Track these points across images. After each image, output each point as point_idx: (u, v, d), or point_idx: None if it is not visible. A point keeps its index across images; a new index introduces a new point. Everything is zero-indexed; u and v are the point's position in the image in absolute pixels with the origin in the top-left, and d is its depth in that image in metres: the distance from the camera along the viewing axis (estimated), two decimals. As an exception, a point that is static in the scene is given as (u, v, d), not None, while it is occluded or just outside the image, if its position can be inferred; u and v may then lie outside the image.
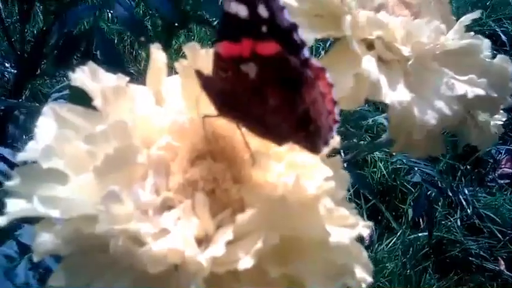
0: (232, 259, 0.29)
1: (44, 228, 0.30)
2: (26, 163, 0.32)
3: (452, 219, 1.84)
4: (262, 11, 0.31)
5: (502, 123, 0.62)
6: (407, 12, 0.46)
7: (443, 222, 1.82)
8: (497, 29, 2.18)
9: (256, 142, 0.33)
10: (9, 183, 0.31)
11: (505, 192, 1.97)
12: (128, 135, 0.31)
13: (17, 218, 0.30)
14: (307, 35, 0.38)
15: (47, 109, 0.33)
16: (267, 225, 0.30)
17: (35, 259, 0.29)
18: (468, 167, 1.98)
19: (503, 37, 2.17)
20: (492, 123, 0.59)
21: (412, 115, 0.41)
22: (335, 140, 0.35)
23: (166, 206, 0.31)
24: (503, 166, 2.08)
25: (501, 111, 0.62)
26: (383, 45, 0.42)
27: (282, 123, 0.31)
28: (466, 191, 1.90)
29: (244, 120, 0.33)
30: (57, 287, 0.29)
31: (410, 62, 0.41)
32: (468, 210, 1.87)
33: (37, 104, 1.09)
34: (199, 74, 0.32)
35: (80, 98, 0.34)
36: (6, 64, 1.64)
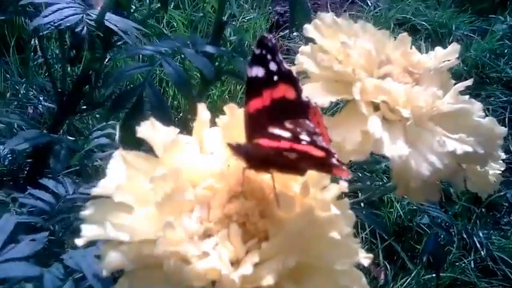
0: (258, 278, 0.38)
1: (111, 249, 0.39)
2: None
3: (466, 260, 1.87)
4: (273, 66, 0.45)
5: (500, 172, 0.70)
6: (409, 79, 0.55)
7: (457, 263, 1.86)
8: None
9: (279, 183, 0.43)
10: (84, 213, 0.41)
11: (519, 236, 2.01)
12: (181, 178, 0.40)
13: (90, 240, 0.40)
14: (325, 98, 0.48)
15: (116, 154, 0.43)
16: (285, 252, 0.39)
17: (105, 273, 0.38)
18: (483, 210, 2.02)
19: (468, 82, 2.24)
20: (491, 172, 0.67)
21: (410, 167, 0.50)
22: (343, 185, 0.44)
23: (207, 234, 0.40)
24: (517, 210, 2.12)
25: (500, 161, 0.70)
26: (386, 107, 0.51)
27: (303, 166, 0.41)
28: (481, 234, 1.93)
29: (271, 169, 0.42)
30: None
31: (408, 123, 0.50)
32: (482, 252, 1.90)
33: (75, 139, 1.19)
34: (229, 144, 0.42)
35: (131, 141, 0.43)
36: (40, 97, 1.74)
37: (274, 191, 0.42)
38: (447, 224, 1.85)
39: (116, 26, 0.91)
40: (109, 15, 0.92)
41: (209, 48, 0.65)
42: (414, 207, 1.88)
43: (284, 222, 0.41)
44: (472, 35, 2.40)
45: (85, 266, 0.65)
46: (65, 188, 0.85)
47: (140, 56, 1.13)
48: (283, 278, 0.38)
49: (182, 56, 0.67)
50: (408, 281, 1.81)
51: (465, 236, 1.94)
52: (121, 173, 0.42)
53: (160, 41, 0.69)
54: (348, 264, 0.39)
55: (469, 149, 0.50)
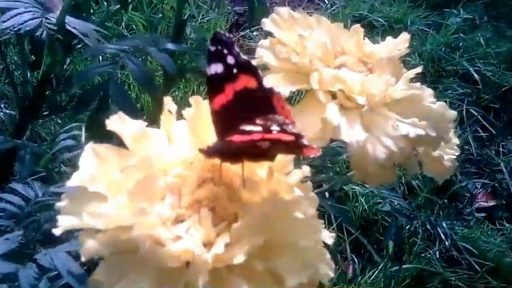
0: (229, 257, 0.41)
1: (88, 237, 0.42)
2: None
3: (431, 251, 1.93)
4: (230, 60, 0.48)
5: (455, 157, 0.75)
6: (363, 68, 0.59)
7: (422, 254, 1.91)
8: (470, 68, 2.34)
9: (246, 169, 0.46)
10: (59, 204, 0.43)
11: (482, 225, 2.06)
12: (152, 167, 0.43)
13: (67, 229, 0.42)
14: (285, 88, 0.51)
15: (87, 147, 0.45)
16: (254, 232, 0.42)
17: (83, 259, 0.41)
18: (445, 201, 2.08)
19: (476, 76, 2.33)
20: (446, 157, 0.71)
21: (367, 151, 0.53)
22: (306, 170, 0.48)
23: (179, 219, 0.43)
24: (479, 200, 2.19)
25: (455, 146, 0.74)
26: (343, 95, 0.55)
27: (274, 152, 0.45)
28: (444, 224, 1.99)
29: (243, 160, 0.45)
30: (99, 280, 0.41)
31: (364, 109, 0.54)
32: (446, 242, 1.96)
33: (38, 145, 1.19)
34: (200, 150, 0.45)
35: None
36: (1, 105, 1.72)
37: (242, 177, 0.45)
38: (411, 214, 1.90)
39: (75, 28, 0.93)
40: (68, 18, 0.93)
41: (171, 46, 0.68)
42: (379, 201, 1.93)
43: (251, 205, 0.44)
44: (427, 29, 2.48)
45: (58, 263, 0.66)
46: (34, 191, 0.86)
47: (101, 58, 1.15)
48: (253, 257, 0.41)
49: (143, 57, 0.69)
50: (375, 273, 1.84)
51: (429, 227, 1.99)
52: (92, 165, 0.44)
53: (123, 40, 0.71)
54: (312, 242, 0.43)
55: (421, 132, 0.54)
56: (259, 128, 0.43)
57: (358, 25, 0.61)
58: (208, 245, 0.42)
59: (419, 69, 0.59)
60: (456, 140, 0.71)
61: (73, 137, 0.92)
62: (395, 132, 0.53)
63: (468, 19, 2.58)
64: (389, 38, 0.62)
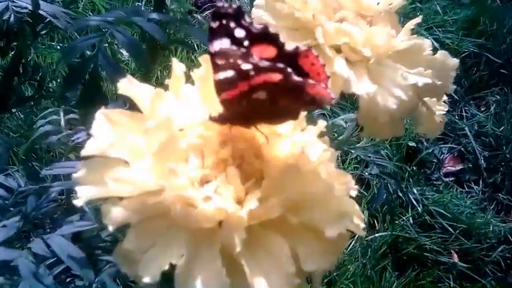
0: (263, 212, 0.40)
1: (112, 205, 0.40)
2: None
3: (404, 218, 1.96)
4: (239, 33, 0.44)
5: (444, 112, 0.75)
6: (363, 21, 0.58)
7: (396, 221, 1.95)
8: (429, 37, 2.37)
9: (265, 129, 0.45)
10: (76, 175, 0.41)
11: (451, 189, 2.11)
12: (172, 128, 0.41)
13: (89, 199, 0.40)
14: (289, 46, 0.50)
15: (99, 114, 0.43)
16: (284, 186, 0.41)
17: (111, 229, 0.39)
18: (414, 168, 2.12)
19: (435, 44, 2.36)
20: (436, 113, 0.71)
21: (377, 102, 0.53)
22: (322, 124, 0.47)
23: (205, 180, 0.41)
24: (446, 165, 2.24)
25: (443, 102, 0.75)
26: (348, 49, 0.54)
27: (294, 110, 0.43)
28: (415, 191, 2.02)
29: (257, 123, 0.44)
30: (129, 249, 0.39)
31: (371, 61, 0.54)
32: (419, 208, 1.99)
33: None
34: (211, 118, 0.43)
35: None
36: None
37: (262, 133, 0.43)
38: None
39: (44, 11, 0.89)
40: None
41: (156, 15, 0.65)
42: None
43: (277, 160, 0.43)
44: (384, 0, 2.49)
45: (57, 249, 0.64)
46: (16, 181, 0.83)
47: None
48: (286, 211, 0.40)
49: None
50: (352, 244, 1.86)
51: (401, 195, 2.02)
52: (107, 131, 0.42)
53: (106, 12, 0.68)
54: (344, 191, 0.42)
55: (429, 80, 0.54)
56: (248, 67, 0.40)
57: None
58: (239, 203, 0.40)
59: (418, 20, 0.59)
60: (444, 96, 0.71)
61: (51, 122, 0.89)
62: (404, 82, 0.53)
63: (423, -12, 2.62)
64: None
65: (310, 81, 0.41)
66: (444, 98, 0.72)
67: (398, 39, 0.57)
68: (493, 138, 2.29)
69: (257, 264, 0.38)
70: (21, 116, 1.44)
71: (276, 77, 0.40)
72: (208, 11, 2.24)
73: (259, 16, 0.57)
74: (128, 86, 0.44)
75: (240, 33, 0.44)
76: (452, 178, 2.21)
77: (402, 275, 1.84)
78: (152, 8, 0.75)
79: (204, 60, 0.46)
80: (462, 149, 2.27)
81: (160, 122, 0.41)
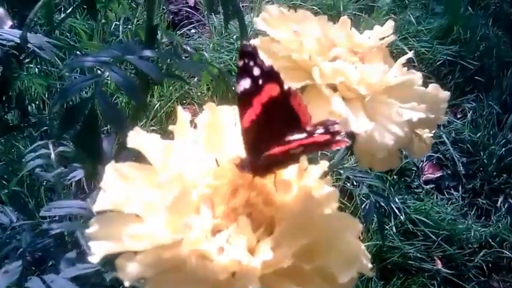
0: (276, 262, 0.41)
1: (127, 260, 0.40)
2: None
3: (388, 227, 1.99)
4: (256, 72, 0.46)
5: (431, 135, 0.78)
6: (356, 59, 0.60)
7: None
8: (404, 47, 2.41)
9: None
10: (89, 230, 0.42)
11: (432, 196, 2.14)
12: (184, 181, 0.42)
13: (104, 255, 0.41)
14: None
15: (109, 168, 0.44)
16: (295, 233, 0.42)
17: (127, 284, 0.40)
18: (395, 177, 2.15)
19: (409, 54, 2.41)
20: (425, 136, 0.73)
21: (374, 139, 0.54)
22: (325, 165, 0.48)
23: (216, 230, 0.42)
24: (426, 172, 2.27)
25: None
26: (344, 87, 0.56)
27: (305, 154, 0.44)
28: (397, 199, 2.06)
29: (274, 170, 0.45)
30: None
31: (367, 99, 0.55)
32: (401, 217, 2.02)
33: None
34: (237, 165, 0.45)
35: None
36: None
37: (274, 180, 0.45)
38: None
39: (30, 43, 0.89)
40: (17, 32, 0.90)
41: (149, 53, 0.66)
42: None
43: (287, 207, 0.44)
44: (359, 13, 2.53)
45: (58, 291, 0.64)
46: (7, 217, 0.83)
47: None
48: (298, 259, 0.41)
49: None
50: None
51: (383, 204, 2.04)
52: (118, 185, 0.43)
53: (99, 51, 0.69)
54: (354, 235, 0.43)
55: (423, 115, 0.56)
56: (302, 135, 0.43)
57: (345, 17, 0.62)
58: (251, 252, 0.41)
59: (410, 55, 0.60)
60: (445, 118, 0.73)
61: (41, 156, 0.89)
62: (399, 118, 0.55)
63: (397, 0, 2.66)
64: (376, 27, 0.63)
65: (338, 137, 0.43)
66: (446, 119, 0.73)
67: (390, 74, 0.59)
68: (470, 145, 2.33)
69: (274, 314, 0.39)
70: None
71: (324, 137, 0.43)
72: (186, 28, 2.25)
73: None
74: (137, 138, 0.44)
75: (256, 71, 0.46)
76: (432, 185, 2.25)
77: (388, 283, 1.86)
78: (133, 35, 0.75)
79: (209, 107, 0.47)
80: (440, 156, 2.31)
81: (172, 176, 0.42)
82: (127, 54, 0.65)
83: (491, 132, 2.36)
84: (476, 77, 2.50)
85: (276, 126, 0.45)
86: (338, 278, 0.41)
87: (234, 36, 2.19)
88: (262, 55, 0.46)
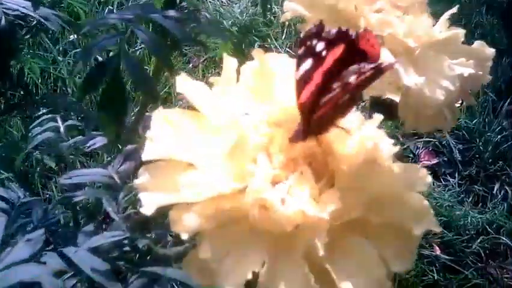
0: (343, 213, 0.37)
1: (183, 212, 0.36)
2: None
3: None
4: (320, 47, 0.41)
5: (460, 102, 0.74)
6: (399, 12, 0.56)
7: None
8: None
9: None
10: (139, 181, 0.38)
11: (429, 183, 2.15)
12: (240, 127, 0.38)
13: (158, 206, 0.37)
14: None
15: (157, 115, 0.40)
16: (359, 184, 0.38)
17: (185, 237, 0.36)
18: (392, 164, 2.14)
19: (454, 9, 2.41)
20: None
21: (424, 94, 0.51)
22: (380, 117, 0.45)
23: (275, 180, 0.39)
24: (422, 159, 2.27)
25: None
26: (392, 40, 0.52)
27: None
28: (395, 186, 2.05)
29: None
30: (205, 258, 0.36)
31: (417, 52, 0.52)
32: (400, 203, 2.02)
33: None
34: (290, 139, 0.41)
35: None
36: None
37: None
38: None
39: (36, 13, 0.85)
40: (25, 3, 0.86)
41: (173, 13, 0.62)
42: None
43: (350, 157, 0.40)
44: None
45: (80, 262, 0.60)
46: (15, 193, 0.78)
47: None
48: (365, 211, 0.38)
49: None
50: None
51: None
52: (168, 133, 0.39)
53: (122, 10, 0.65)
54: (424, 187, 0.40)
55: (472, 71, 0.53)
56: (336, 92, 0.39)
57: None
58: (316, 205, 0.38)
59: (454, 10, 0.57)
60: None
61: (51, 129, 0.84)
62: (450, 72, 0.51)
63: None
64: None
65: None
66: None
67: (436, 29, 0.55)
68: (466, 132, 2.33)
69: (344, 269, 0.36)
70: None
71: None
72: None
73: (293, 9, 0.55)
74: (185, 83, 0.41)
75: (320, 46, 0.41)
76: (429, 172, 2.23)
77: (388, 270, 1.86)
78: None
79: (257, 54, 0.44)
80: (437, 143, 2.31)
81: (228, 122, 0.38)
82: (149, 13, 0.62)
83: (486, 120, 2.36)
84: (471, 65, 2.49)
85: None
86: (412, 230, 0.37)
87: (229, 22, 2.15)
88: (326, 28, 0.41)
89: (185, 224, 0.36)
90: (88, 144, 0.69)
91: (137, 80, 0.57)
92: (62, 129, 0.82)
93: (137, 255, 0.59)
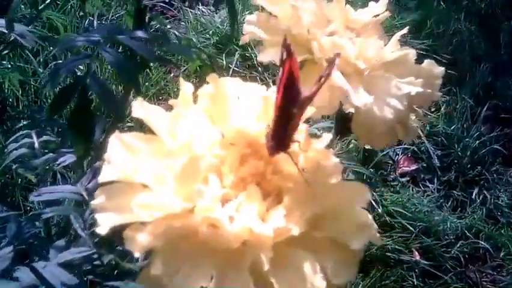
0: (287, 229, 0.40)
1: (136, 232, 0.39)
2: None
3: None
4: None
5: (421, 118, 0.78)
6: (352, 34, 0.60)
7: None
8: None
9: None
10: (95, 202, 0.40)
11: (408, 188, 2.18)
12: (192, 150, 0.41)
13: (111, 227, 0.40)
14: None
15: (113, 138, 0.42)
16: (304, 202, 0.41)
17: (137, 255, 0.39)
18: (371, 170, 2.17)
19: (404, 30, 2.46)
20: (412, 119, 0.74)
21: (373, 113, 0.54)
22: (329, 136, 0.48)
23: (225, 199, 0.42)
24: (401, 165, 2.30)
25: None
26: (343, 62, 0.55)
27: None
28: (374, 193, 2.08)
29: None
30: (157, 274, 0.39)
31: (366, 73, 0.55)
32: (379, 209, 2.05)
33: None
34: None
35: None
36: None
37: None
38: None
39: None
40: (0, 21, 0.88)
41: (141, 33, 0.65)
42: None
43: (296, 176, 0.43)
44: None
45: (50, 277, 0.62)
46: (-8, 207, 0.81)
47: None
48: (309, 227, 0.41)
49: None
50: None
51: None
52: (124, 156, 0.42)
53: (89, 32, 0.68)
54: (364, 203, 0.43)
55: (420, 89, 0.56)
56: None
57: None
58: (261, 221, 0.41)
59: (405, 31, 0.61)
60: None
61: (26, 146, 0.87)
62: (398, 91, 0.55)
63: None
64: (371, 3, 0.63)
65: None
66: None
67: (386, 50, 0.59)
68: (444, 138, 2.36)
69: (287, 282, 0.39)
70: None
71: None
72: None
73: (251, 32, 0.58)
74: (141, 108, 0.43)
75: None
76: (408, 178, 2.27)
77: (367, 276, 1.87)
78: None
79: (212, 79, 0.47)
80: (415, 149, 2.34)
81: (181, 145, 0.41)
82: (117, 34, 0.64)
83: (464, 125, 2.39)
84: (449, 71, 2.53)
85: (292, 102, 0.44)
86: (351, 245, 0.40)
87: (210, 32, 2.18)
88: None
89: (138, 242, 0.38)
90: (58, 162, 0.72)
91: (104, 100, 0.59)
92: (36, 145, 0.85)
93: (105, 269, 0.62)
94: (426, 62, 0.61)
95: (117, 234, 0.45)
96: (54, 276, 0.63)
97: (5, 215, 0.80)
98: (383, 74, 0.56)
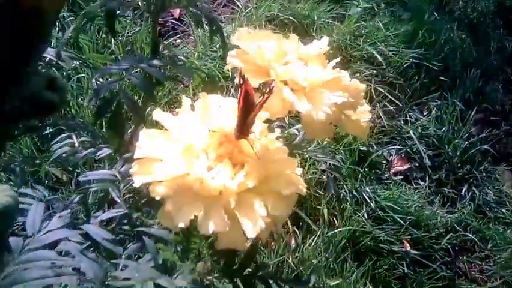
0: (246, 184, 0.72)
1: (156, 186, 0.71)
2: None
3: (360, 214, 2.28)
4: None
5: (368, 119, 1.09)
6: (302, 62, 0.91)
7: (352, 217, 2.25)
8: (373, 52, 2.73)
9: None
10: (132, 170, 0.72)
11: (400, 186, 2.44)
12: (191, 140, 0.73)
13: (143, 183, 0.71)
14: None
15: (142, 132, 0.74)
16: (257, 169, 0.73)
17: (158, 198, 0.70)
18: (366, 169, 2.45)
19: (379, 58, 2.74)
20: (362, 120, 1.05)
21: (312, 116, 0.85)
22: (278, 132, 0.79)
23: (210, 167, 0.73)
24: (395, 165, 2.57)
25: (368, 112, 1.08)
26: (292, 82, 0.87)
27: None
28: (368, 190, 2.35)
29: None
30: (169, 210, 0.70)
31: (307, 89, 0.86)
32: (372, 205, 2.31)
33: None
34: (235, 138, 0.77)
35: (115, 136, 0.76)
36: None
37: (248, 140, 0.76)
38: (339, 181, 2.25)
39: (52, 55, 1.19)
40: (51, 50, 1.20)
41: (156, 62, 0.97)
42: (310, 176, 2.26)
43: (252, 154, 0.75)
44: (332, 21, 2.86)
45: (93, 233, 0.94)
46: (42, 193, 1.13)
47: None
48: (260, 183, 0.72)
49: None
50: (315, 240, 2.16)
51: (355, 194, 2.34)
52: (148, 142, 0.74)
53: (119, 61, 1.00)
54: (295, 170, 0.74)
55: (345, 99, 0.87)
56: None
57: (294, 34, 0.93)
58: (231, 180, 0.72)
59: (337, 59, 0.92)
60: (368, 107, 1.04)
61: (68, 145, 1.19)
62: (328, 101, 0.86)
63: (367, 8, 3.00)
64: (315, 41, 0.94)
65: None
66: (368, 108, 1.05)
67: (325, 72, 0.90)
68: (435, 139, 2.63)
69: (244, 213, 0.70)
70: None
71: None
72: (172, 38, 2.57)
73: (232, 62, 0.89)
74: (158, 114, 0.76)
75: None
76: (401, 177, 2.54)
77: (361, 265, 2.15)
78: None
79: (203, 95, 0.79)
80: (408, 150, 2.60)
81: (183, 136, 0.73)
82: (139, 63, 0.97)
83: (455, 128, 2.66)
84: (441, 77, 2.83)
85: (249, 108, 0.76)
86: (283, 193, 0.72)
87: (217, 45, 2.49)
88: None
89: (158, 192, 0.70)
90: (97, 154, 1.04)
91: (132, 109, 0.92)
92: (76, 144, 1.17)
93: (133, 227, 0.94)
94: (353, 81, 0.92)
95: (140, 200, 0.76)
96: (96, 233, 0.95)
97: (51, 197, 1.12)
98: (320, 90, 0.88)
